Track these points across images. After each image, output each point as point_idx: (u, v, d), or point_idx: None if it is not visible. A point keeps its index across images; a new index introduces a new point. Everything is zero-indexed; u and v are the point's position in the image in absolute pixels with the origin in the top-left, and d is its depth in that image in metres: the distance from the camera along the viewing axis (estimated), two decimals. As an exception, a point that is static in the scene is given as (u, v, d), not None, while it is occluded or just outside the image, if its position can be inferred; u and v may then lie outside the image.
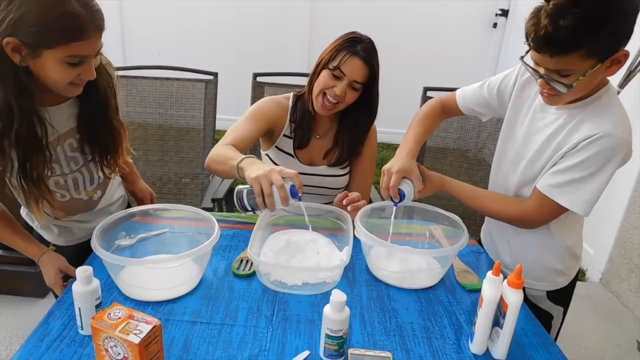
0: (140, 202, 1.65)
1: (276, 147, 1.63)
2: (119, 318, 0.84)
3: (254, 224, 1.32)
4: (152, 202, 1.64)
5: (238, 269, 1.25)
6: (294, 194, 1.18)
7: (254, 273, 1.24)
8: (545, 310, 1.37)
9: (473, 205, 1.34)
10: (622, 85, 2.54)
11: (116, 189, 1.50)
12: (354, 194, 1.40)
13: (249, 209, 1.24)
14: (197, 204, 2.13)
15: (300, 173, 1.58)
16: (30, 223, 1.41)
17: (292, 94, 1.63)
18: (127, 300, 1.12)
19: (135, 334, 0.81)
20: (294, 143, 1.60)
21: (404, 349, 1.01)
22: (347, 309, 0.93)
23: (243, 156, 1.30)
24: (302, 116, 1.59)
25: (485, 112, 1.43)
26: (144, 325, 0.83)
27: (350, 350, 0.97)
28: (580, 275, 2.83)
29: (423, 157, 2.15)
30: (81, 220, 1.40)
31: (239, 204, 1.25)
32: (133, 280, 1.13)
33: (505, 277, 0.96)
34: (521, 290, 0.93)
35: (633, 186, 2.53)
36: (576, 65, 1.02)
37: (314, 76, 1.52)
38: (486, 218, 1.51)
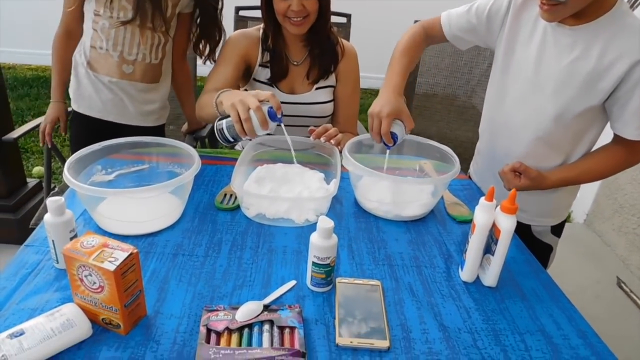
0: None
1: (253, 79, 1.57)
2: (93, 246, 0.79)
3: (237, 159, 1.26)
4: None
5: (222, 202, 1.20)
6: (272, 115, 1.14)
7: (238, 207, 1.19)
8: (547, 243, 1.37)
9: (585, 181, 1.26)
10: None
11: (154, 94, 1.62)
12: (327, 126, 1.34)
13: (231, 139, 1.21)
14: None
15: (283, 102, 1.53)
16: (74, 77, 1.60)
17: (262, 25, 1.56)
18: (105, 234, 1.06)
19: (110, 261, 0.77)
20: (272, 74, 1.54)
21: (393, 278, 0.98)
22: (334, 236, 0.90)
23: (220, 92, 1.27)
24: (274, 48, 1.53)
25: (470, 39, 1.33)
26: (120, 252, 0.78)
27: (338, 279, 0.95)
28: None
29: (411, 103, 2.08)
30: (100, 89, 1.55)
31: (220, 136, 1.22)
32: (111, 214, 1.07)
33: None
34: (514, 216, 0.90)
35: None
36: None
37: (265, 11, 1.47)
38: (478, 156, 1.46)
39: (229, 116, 1.19)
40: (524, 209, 1.26)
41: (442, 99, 2.10)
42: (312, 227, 1.12)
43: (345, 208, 1.23)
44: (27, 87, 4.24)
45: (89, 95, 1.57)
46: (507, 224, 0.89)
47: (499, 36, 1.25)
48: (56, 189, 1.11)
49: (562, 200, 1.33)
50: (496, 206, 0.93)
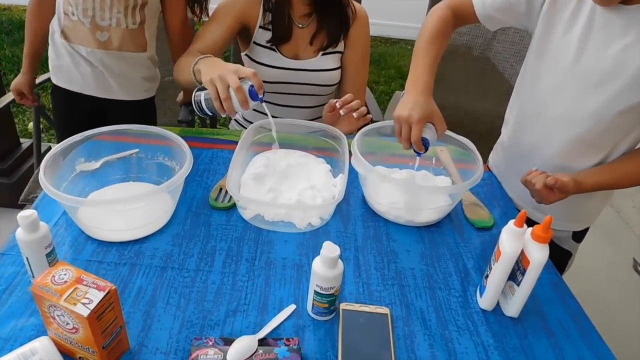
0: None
1: (254, 42, 1.42)
2: (65, 282, 0.70)
3: (237, 142, 1.15)
4: None
5: (216, 200, 1.10)
6: (253, 95, 1.06)
7: (234, 205, 1.08)
8: (567, 249, 1.25)
9: (623, 186, 1.11)
10: None
11: (138, 65, 1.46)
12: (346, 96, 1.23)
13: (209, 113, 1.14)
14: (176, 111, 1.93)
15: (287, 69, 1.40)
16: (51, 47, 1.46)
17: None
18: (88, 240, 0.97)
19: (83, 303, 0.67)
20: (273, 36, 1.40)
21: (403, 303, 0.88)
22: (340, 264, 0.79)
23: (199, 57, 1.16)
24: (277, 7, 1.38)
25: (506, 20, 1.16)
26: (95, 292, 0.69)
27: (342, 305, 0.85)
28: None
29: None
30: (78, 61, 1.41)
31: (197, 108, 1.14)
32: (93, 221, 0.97)
33: (530, 225, 0.81)
34: (547, 246, 0.79)
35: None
36: None
37: None
38: (501, 147, 1.31)
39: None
40: (545, 211, 1.14)
41: (460, 65, 1.91)
42: (315, 233, 1.03)
43: (353, 208, 1.11)
44: (24, 31, 4.04)
45: (67, 68, 1.44)
46: (538, 256, 0.78)
47: (540, 14, 1.08)
48: (47, 156, 1.01)
49: (594, 205, 1.20)
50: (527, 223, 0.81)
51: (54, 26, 1.41)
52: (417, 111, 1.00)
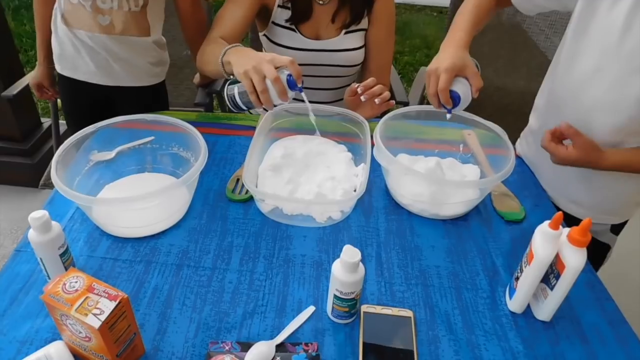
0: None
1: (272, 22, 1.35)
2: (76, 290, 0.68)
3: (255, 128, 1.10)
4: None
5: (233, 191, 1.06)
6: (292, 84, 0.99)
7: (252, 197, 1.05)
8: (604, 242, 1.17)
9: None
10: None
11: (143, 50, 1.40)
12: (368, 80, 1.16)
13: (244, 108, 1.07)
14: (193, 90, 1.89)
15: (307, 50, 1.33)
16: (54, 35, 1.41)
17: None
18: (103, 235, 0.95)
19: (95, 314, 0.65)
20: (293, 15, 1.32)
21: (427, 305, 0.84)
22: (361, 268, 0.75)
23: (226, 47, 1.09)
24: None
25: (544, 4, 1.07)
26: (106, 302, 0.66)
27: (363, 307, 0.82)
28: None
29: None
30: (80, 47, 1.36)
31: (232, 103, 1.08)
32: (107, 217, 0.95)
33: (565, 226, 0.75)
34: (585, 250, 0.73)
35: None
36: None
37: None
38: (530, 134, 1.22)
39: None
40: (581, 203, 1.08)
41: (491, 37, 1.81)
42: (336, 228, 0.99)
43: (375, 200, 1.07)
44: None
45: (70, 56, 1.39)
46: (575, 261, 0.72)
47: None
48: (59, 151, 0.98)
49: (635, 196, 1.12)
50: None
51: (56, 11, 1.36)
52: (446, 61, 0.94)
